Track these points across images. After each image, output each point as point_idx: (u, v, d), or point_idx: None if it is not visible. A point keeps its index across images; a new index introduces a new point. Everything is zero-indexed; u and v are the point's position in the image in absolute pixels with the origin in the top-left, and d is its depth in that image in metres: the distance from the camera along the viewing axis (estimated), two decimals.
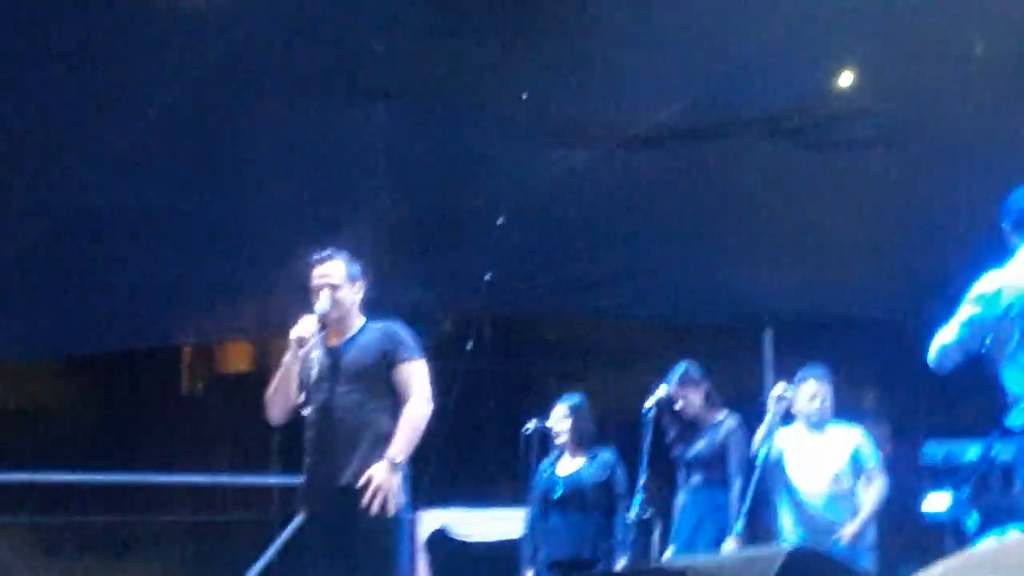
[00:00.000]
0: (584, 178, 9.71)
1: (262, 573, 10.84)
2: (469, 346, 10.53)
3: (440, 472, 10.81)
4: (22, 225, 9.42)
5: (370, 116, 8.96)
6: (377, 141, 9.01)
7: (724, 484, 9.03)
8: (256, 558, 10.96)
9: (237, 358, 14.03)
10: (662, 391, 9.09)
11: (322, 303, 7.01)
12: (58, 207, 9.42)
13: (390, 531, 6.90)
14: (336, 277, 7.08)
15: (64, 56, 8.37)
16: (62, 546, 13.02)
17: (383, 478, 6.80)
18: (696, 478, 9.16)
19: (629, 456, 9.09)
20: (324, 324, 7.02)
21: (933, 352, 6.81)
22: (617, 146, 9.48)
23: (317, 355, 7.04)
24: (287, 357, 6.96)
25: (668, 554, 9.00)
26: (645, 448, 8.87)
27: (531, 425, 9.26)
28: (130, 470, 11.35)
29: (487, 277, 10.34)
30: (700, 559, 7.24)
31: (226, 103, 8.95)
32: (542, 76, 8.83)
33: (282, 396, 7.03)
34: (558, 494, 9.09)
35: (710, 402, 9.25)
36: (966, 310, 6.74)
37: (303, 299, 7.06)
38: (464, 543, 11.03)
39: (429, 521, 10.77)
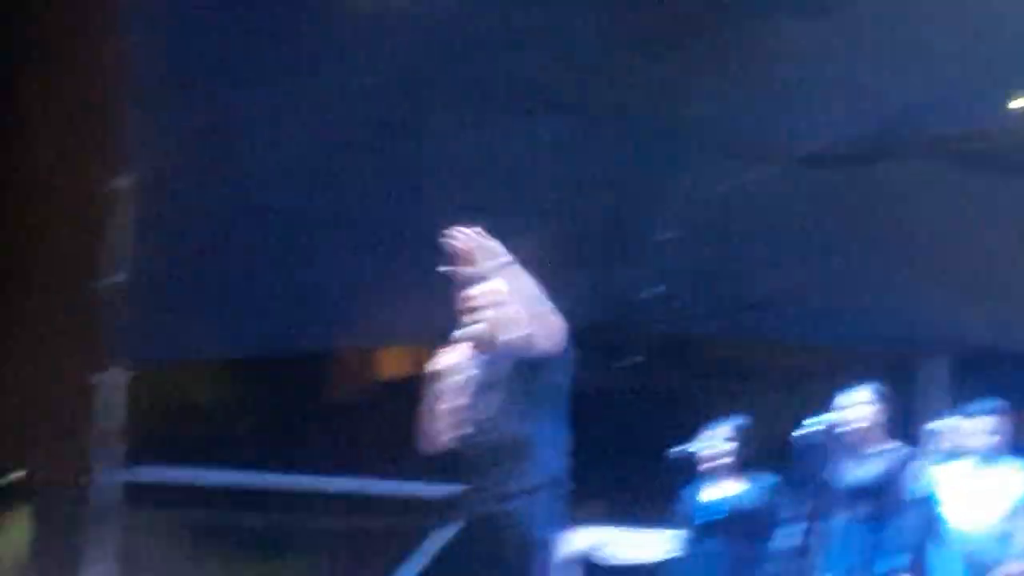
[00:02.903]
0: (756, 195, 9.56)
1: None
2: (629, 362, 10.41)
3: (593, 490, 10.69)
4: (191, 225, 9.48)
5: (543, 127, 8.91)
6: (548, 152, 8.94)
7: (889, 516, 8.77)
8: (404, 565, 10.94)
9: (394, 365, 14.04)
10: (832, 415, 8.85)
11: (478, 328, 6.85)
12: (225, 209, 9.47)
13: (536, 550, 6.75)
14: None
15: (246, 63, 8.45)
16: (215, 544, 13.12)
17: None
18: (860, 508, 8.89)
19: (787, 482, 8.90)
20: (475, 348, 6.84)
21: None
22: (792, 165, 9.33)
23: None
24: (434, 391, 6.83)
25: None
26: (808, 474, 8.68)
27: (689, 446, 9.09)
28: (284, 472, 11.38)
29: (652, 292, 10.22)
30: None
31: (400, 112, 8.97)
32: (717, 91, 8.72)
33: (440, 425, 6.89)
34: (716, 518, 8.91)
35: (882, 430, 8.97)
36: None
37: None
38: (613, 564, 10.89)
39: (579, 540, 10.64)
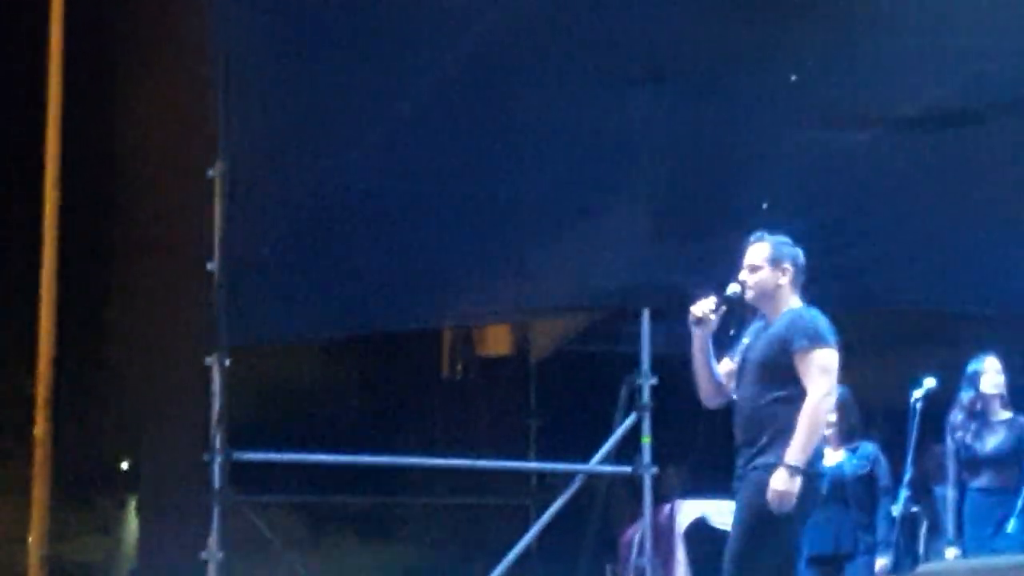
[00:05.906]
0: (852, 162, 9.49)
1: (520, 557, 10.84)
2: (731, 332, 10.35)
3: (700, 462, 10.67)
4: (290, 209, 9.56)
5: (636, 99, 8.90)
6: (642, 124, 8.93)
7: (1012, 486, 8.68)
8: (514, 542, 10.97)
9: (496, 342, 14.10)
10: (931, 382, 8.80)
11: (732, 285, 6.92)
12: (324, 191, 9.54)
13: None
14: (756, 259, 6.97)
15: (338, 45, 8.55)
16: (322, 525, 13.28)
17: (779, 486, 6.58)
18: (986, 478, 8.80)
19: (891, 449, 8.84)
20: (727, 305, 6.89)
21: None
22: (885, 130, 9.26)
23: (746, 342, 6.95)
24: (694, 340, 6.91)
25: (953, 555, 8.68)
26: (912, 441, 8.62)
27: None
28: (391, 452, 11.46)
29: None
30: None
31: (489, 86, 9.01)
32: (811, 58, 8.69)
33: (700, 379, 6.99)
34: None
35: (1003, 398, 8.90)
36: None
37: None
38: (722, 533, 10.86)
39: (688, 511, 10.65)
